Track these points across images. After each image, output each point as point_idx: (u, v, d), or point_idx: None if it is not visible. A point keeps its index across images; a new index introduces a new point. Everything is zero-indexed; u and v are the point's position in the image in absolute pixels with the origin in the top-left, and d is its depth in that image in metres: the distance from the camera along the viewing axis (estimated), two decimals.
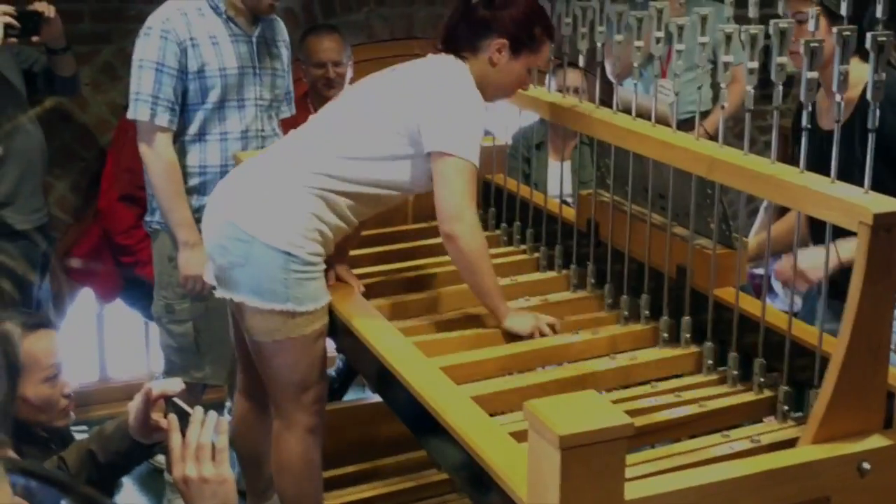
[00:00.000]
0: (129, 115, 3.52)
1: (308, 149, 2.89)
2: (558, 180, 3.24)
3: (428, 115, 2.76)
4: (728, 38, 2.32)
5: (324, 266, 2.85)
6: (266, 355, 2.89)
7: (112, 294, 4.62)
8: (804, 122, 2.17)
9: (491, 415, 2.26)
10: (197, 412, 2.10)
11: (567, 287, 2.98)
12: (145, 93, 3.48)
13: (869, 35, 2.00)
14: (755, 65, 2.24)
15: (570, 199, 3.67)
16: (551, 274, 3.05)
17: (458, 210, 2.70)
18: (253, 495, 3.30)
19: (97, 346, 5.03)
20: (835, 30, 2.07)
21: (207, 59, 3.53)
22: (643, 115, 2.62)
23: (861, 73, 2.08)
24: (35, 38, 3.78)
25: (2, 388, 2.47)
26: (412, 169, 2.83)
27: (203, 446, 2.04)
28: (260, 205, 2.84)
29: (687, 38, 2.47)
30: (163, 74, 3.48)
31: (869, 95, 2.04)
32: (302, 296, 2.78)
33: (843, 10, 2.12)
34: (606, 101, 2.83)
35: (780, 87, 2.21)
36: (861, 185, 2.06)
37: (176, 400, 2.21)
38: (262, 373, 2.96)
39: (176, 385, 2.25)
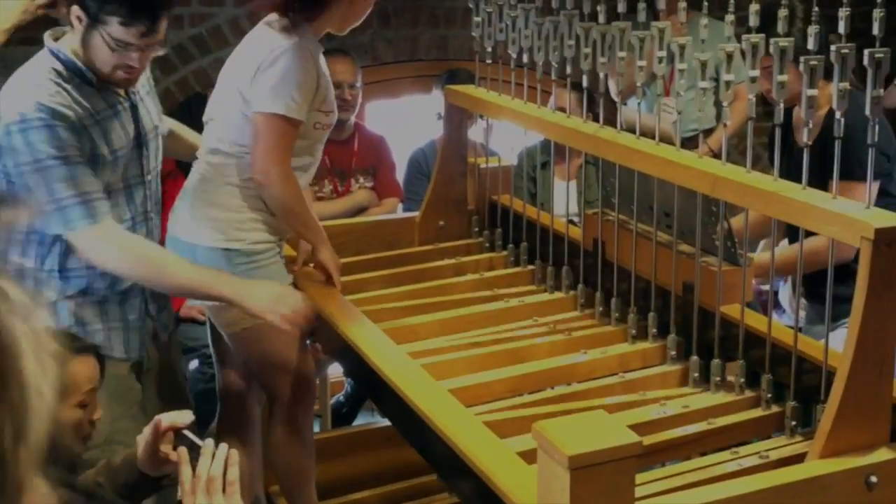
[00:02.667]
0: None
1: (209, 146, 3.06)
2: (564, 200, 3.25)
3: (245, 79, 2.94)
4: (729, 56, 2.34)
5: (275, 250, 3.02)
6: (239, 345, 3.08)
7: None
8: (805, 138, 2.19)
9: (501, 437, 2.26)
10: (207, 444, 2.11)
11: (574, 307, 2.99)
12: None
13: (867, 52, 2.04)
14: (757, 73, 2.26)
15: (576, 219, 3.68)
16: (559, 294, 3.06)
17: (264, 165, 2.90)
18: None
19: None
20: (802, 59, 2.14)
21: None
22: (647, 133, 2.64)
23: (828, 93, 2.13)
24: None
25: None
26: None
27: (214, 478, 2.04)
28: (192, 213, 3.03)
29: (689, 57, 2.48)
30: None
31: (867, 111, 2.07)
32: None
33: (842, 29, 2.14)
34: (610, 121, 2.84)
35: (782, 106, 2.23)
36: None
37: (185, 432, 2.22)
38: (246, 364, 3.16)
39: (186, 417, 2.26)
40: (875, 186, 2.82)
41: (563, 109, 3.10)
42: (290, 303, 2.82)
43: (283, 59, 2.87)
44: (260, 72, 2.89)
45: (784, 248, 3.17)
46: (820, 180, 2.19)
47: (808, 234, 2.21)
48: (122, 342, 3.05)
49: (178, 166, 4.28)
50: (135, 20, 2.75)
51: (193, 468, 2.11)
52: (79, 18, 2.78)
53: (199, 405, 3.86)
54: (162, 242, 3.13)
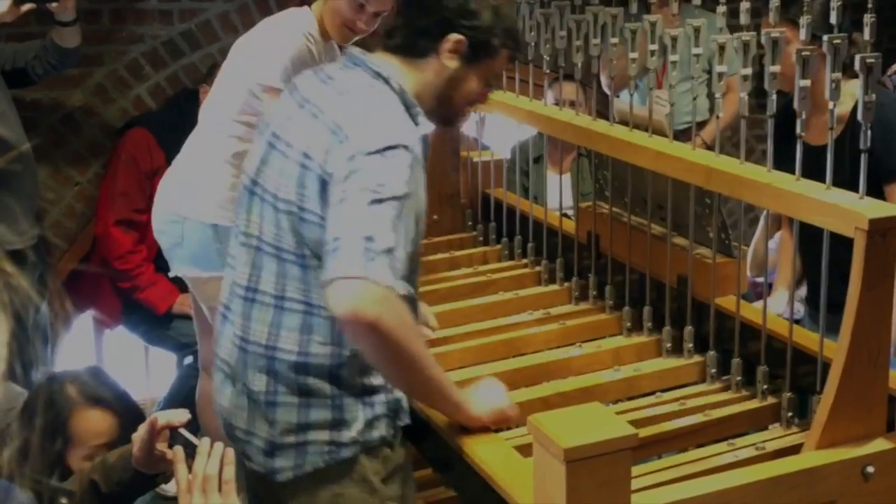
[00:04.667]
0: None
1: (212, 119, 3.17)
2: (558, 193, 3.25)
3: (249, 54, 3.08)
4: (721, 48, 2.34)
5: None
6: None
7: (112, 320, 4.61)
8: (798, 129, 2.18)
9: (496, 430, 2.26)
10: (203, 443, 2.10)
11: (569, 300, 2.99)
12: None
13: (858, 57, 2.04)
14: (749, 71, 2.26)
15: (570, 212, 3.68)
16: (553, 287, 3.06)
17: None
18: None
19: None
20: (795, 50, 2.12)
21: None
22: (640, 126, 2.63)
23: (851, 90, 2.11)
24: (54, 4, 3.91)
25: (45, 445, 2.46)
26: None
27: (210, 477, 2.03)
28: (184, 185, 3.11)
29: (681, 49, 2.48)
30: None
31: (859, 116, 2.07)
32: None
33: (832, 18, 2.14)
34: (603, 113, 2.84)
35: (775, 96, 2.23)
36: None
37: (181, 431, 2.21)
38: None
39: (182, 416, 2.25)
40: None
41: (565, 103, 3.11)
42: (505, 406, 2.29)
43: (286, 37, 3.05)
44: (269, 39, 3.08)
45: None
46: (844, 179, 2.16)
47: (803, 225, 2.21)
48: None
49: (168, 162, 4.27)
50: (517, 53, 2.46)
51: (189, 467, 2.11)
52: (454, 52, 2.32)
53: (194, 400, 3.86)
54: None
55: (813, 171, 2.19)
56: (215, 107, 3.24)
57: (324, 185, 2.18)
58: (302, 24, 3.09)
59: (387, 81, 2.30)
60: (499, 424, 2.30)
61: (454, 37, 2.30)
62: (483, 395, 2.28)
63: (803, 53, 2.11)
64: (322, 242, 2.14)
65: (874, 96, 2.06)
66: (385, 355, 2.08)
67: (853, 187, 2.10)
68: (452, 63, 2.32)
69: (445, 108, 2.40)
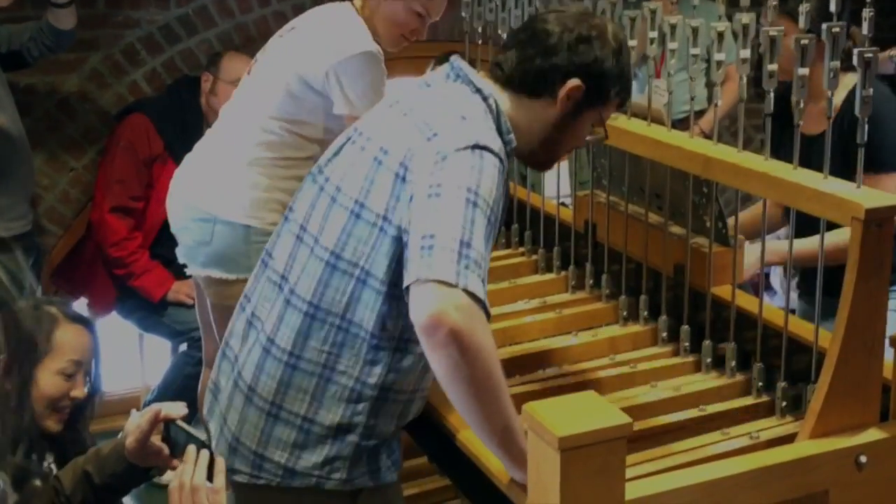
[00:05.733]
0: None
1: (242, 118, 3.08)
2: (555, 182, 3.24)
3: (313, 62, 2.96)
4: (720, 35, 2.33)
5: None
6: (219, 317, 3.04)
7: (106, 307, 4.59)
8: (796, 119, 2.18)
9: None
10: (189, 452, 2.07)
11: (565, 288, 2.98)
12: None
13: (856, 51, 2.03)
14: (748, 54, 2.25)
15: (567, 201, 3.67)
16: (550, 276, 3.05)
17: None
18: None
19: None
20: (794, 37, 2.12)
21: None
22: (638, 114, 2.63)
23: (844, 81, 2.11)
24: None
25: (25, 362, 2.45)
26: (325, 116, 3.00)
27: (198, 489, 2.01)
28: (214, 184, 3.04)
29: (680, 37, 2.47)
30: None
31: (857, 110, 2.07)
32: None
33: (833, 7, 2.13)
34: None
35: (772, 95, 2.22)
36: None
37: (179, 422, 2.19)
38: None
39: (179, 409, 2.23)
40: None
41: None
42: None
43: (369, 66, 2.95)
44: (341, 69, 2.93)
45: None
46: (834, 169, 2.15)
47: (802, 217, 2.20)
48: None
49: (167, 149, 4.27)
50: (628, 99, 2.35)
51: (178, 459, 2.09)
52: (569, 97, 2.19)
53: (188, 388, 3.86)
54: None
55: (805, 159, 2.19)
56: (248, 105, 3.12)
57: (397, 181, 2.05)
58: (365, 41, 2.98)
59: (485, 99, 2.17)
60: None
61: (573, 82, 2.16)
62: None
63: (802, 41, 2.11)
64: (373, 246, 2.06)
65: (871, 91, 2.06)
66: (460, 372, 1.86)
67: (843, 177, 2.10)
68: (566, 108, 2.20)
69: (549, 153, 2.28)
